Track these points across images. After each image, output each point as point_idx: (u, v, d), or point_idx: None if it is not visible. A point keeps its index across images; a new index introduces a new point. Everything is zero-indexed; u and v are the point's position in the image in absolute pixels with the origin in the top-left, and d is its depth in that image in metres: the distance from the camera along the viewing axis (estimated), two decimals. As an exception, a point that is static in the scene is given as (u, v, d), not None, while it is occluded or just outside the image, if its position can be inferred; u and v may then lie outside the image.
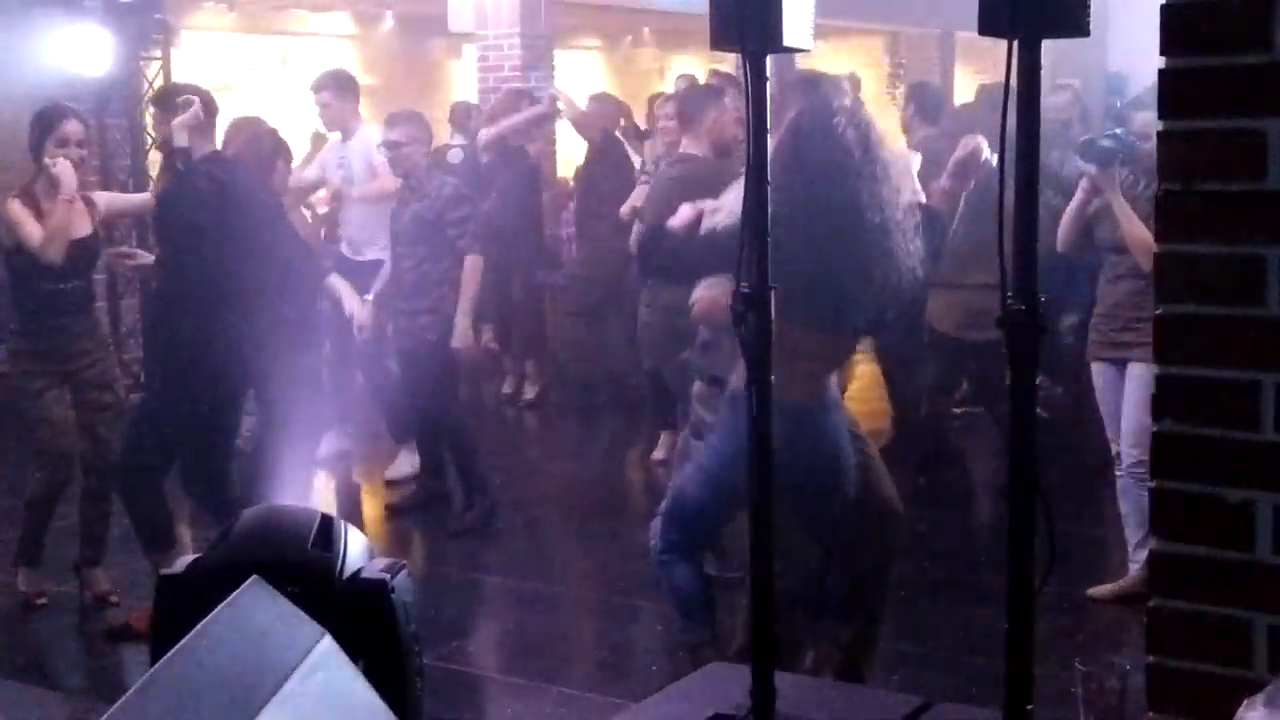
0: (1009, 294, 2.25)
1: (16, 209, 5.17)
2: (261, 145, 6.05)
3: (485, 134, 8.82)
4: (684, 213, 3.99)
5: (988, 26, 2.20)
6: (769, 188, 2.44)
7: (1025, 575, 2.36)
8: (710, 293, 3.93)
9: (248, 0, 12.53)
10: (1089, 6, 2.09)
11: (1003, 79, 2.10)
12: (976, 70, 15.33)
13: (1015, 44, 2.16)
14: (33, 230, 5.11)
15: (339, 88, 7.50)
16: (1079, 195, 5.27)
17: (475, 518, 6.38)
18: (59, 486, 5.38)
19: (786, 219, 3.59)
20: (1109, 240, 5.21)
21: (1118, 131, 5.37)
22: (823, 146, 3.71)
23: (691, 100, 6.20)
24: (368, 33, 14.38)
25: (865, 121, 3.81)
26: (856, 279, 3.72)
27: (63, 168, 5.12)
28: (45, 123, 5.22)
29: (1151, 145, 5.07)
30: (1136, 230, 4.96)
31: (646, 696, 2.92)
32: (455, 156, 9.13)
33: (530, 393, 9.23)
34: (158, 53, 8.78)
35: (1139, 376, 5.01)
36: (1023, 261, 2.16)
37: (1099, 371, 5.34)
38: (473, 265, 6.27)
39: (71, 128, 5.24)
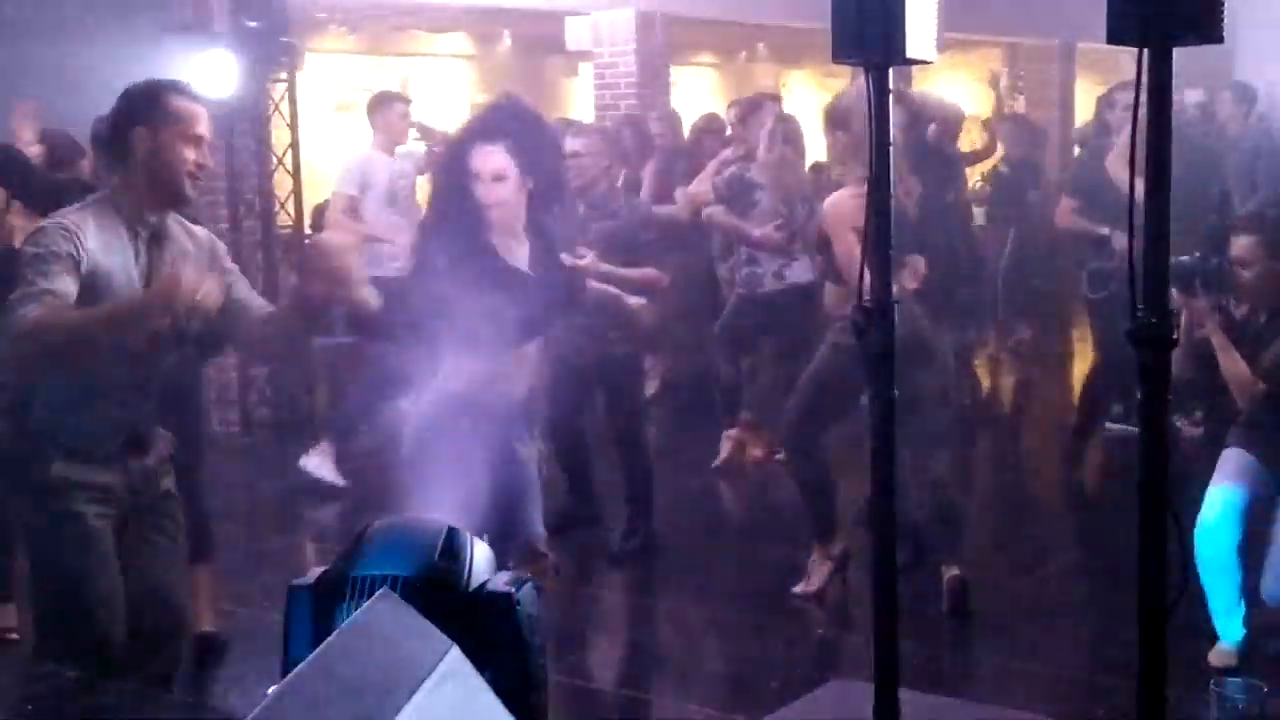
0: (1139, 305, 2.21)
1: None
2: None
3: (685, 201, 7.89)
4: None
5: (1117, 34, 2.16)
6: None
7: (1158, 595, 2.32)
8: None
9: (369, 22, 12.74)
10: (1223, 12, 2.04)
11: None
12: (1097, 82, 15.07)
13: (1145, 52, 2.12)
14: None
15: None
16: (1183, 319, 4.68)
17: (637, 545, 6.09)
18: None
19: None
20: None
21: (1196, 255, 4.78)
22: None
23: None
24: (485, 53, 14.54)
25: None
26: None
27: None
28: None
29: (1249, 274, 4.81)
30: (1233, 365, 4.53)
31: (768, 713, 2.90)
32: None
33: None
34: (283, 75, 8.95)
35: None
36: (1155, 271, 2.12)
37: None
38: (655, 273, 5.98)
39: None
